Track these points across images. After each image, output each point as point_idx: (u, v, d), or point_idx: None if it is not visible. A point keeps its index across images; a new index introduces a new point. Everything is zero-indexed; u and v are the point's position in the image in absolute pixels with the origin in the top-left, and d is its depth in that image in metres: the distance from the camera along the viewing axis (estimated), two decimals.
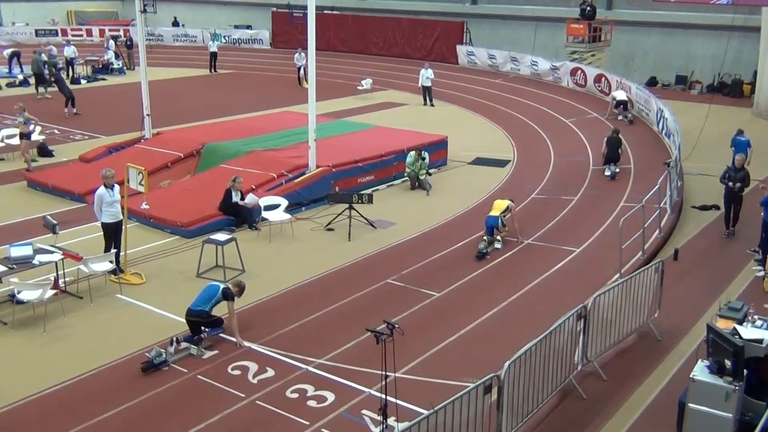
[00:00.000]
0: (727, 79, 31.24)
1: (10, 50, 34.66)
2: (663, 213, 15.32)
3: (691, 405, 7.85)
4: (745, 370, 7.73)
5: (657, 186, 14.77)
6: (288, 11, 40.90)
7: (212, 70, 36.05)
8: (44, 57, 29.48)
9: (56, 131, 23.17)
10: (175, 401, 9.11)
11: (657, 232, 14.67)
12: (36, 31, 43.26)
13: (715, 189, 17.55)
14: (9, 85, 30.86)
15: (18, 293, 10.96)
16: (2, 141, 20.37)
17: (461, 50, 37.56)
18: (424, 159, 18.05)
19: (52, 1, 48.19)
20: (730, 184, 14.40)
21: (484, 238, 14.02)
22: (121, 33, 42.00)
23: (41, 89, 28.49)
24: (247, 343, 10.37)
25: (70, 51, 32.87)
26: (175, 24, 47.23)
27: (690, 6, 28.91)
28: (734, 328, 8.29)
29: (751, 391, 7.90)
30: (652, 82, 33.13)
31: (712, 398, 7.70)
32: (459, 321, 11.17)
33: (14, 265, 11.26)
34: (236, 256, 12.89)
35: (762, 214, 13.19)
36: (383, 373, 7.72)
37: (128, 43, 36.97)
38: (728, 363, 7.69)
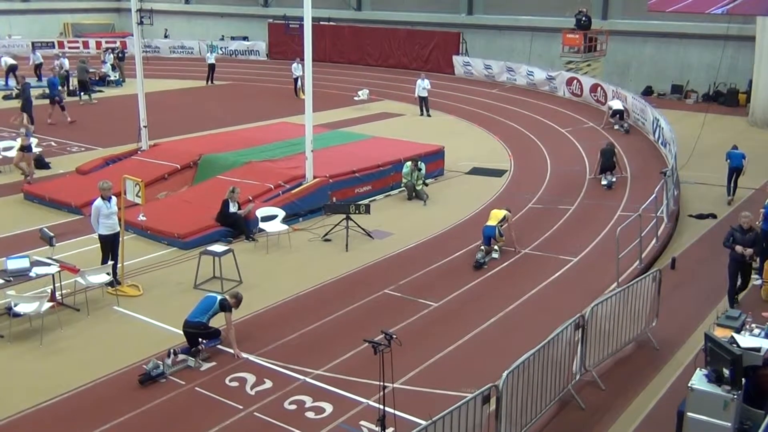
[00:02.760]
0: (722, 88, 31.37)
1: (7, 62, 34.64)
2: (660, 222, 15.33)
3: (689, 414, 7.84)
4: (743, 379, 7.74)
5: (654, 195, 14.79)
6: (284, 22, 40.97)
7: (209, 82, 36.09)
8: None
9: (53, 143, 23.16)
10: (172, 413, 9.08)
11: (654, 241, 14.69)
12: (32, 43, 43.26)
13: (712, 197, 17.67)
14: (6, 97, 30.85)
15: (15, 306, 10.94)
16: None
17: (457, 60, 37.66)
18: (420, 169, 18.07)
19: (48, 13, 48.28)
20: (738, 248, 11.41)
21: (482, 247, 14.02)
22: (118, 45, 42.05)
23: (85, 96, 30.25)
24: (244, 355, 10.34)
25: (64, 64, 32.90)
26: (165, 36, 47.28)
27: (685, 16, 28.97)
28: (732, 337, 8.30)
29: (750, 399, 7.90)
30: (647, 92, 33.23)
31: (711, 407, 7.69)
32: (457, 331, 11.16)
33: (11, 278, 11.23)
34: (233, 268, 12.88)
35: (759, 222, 13.20)
36: (381, 383, 7.71)
37: (120, 54, 36.98)
38: (726, 372, 7.68)
